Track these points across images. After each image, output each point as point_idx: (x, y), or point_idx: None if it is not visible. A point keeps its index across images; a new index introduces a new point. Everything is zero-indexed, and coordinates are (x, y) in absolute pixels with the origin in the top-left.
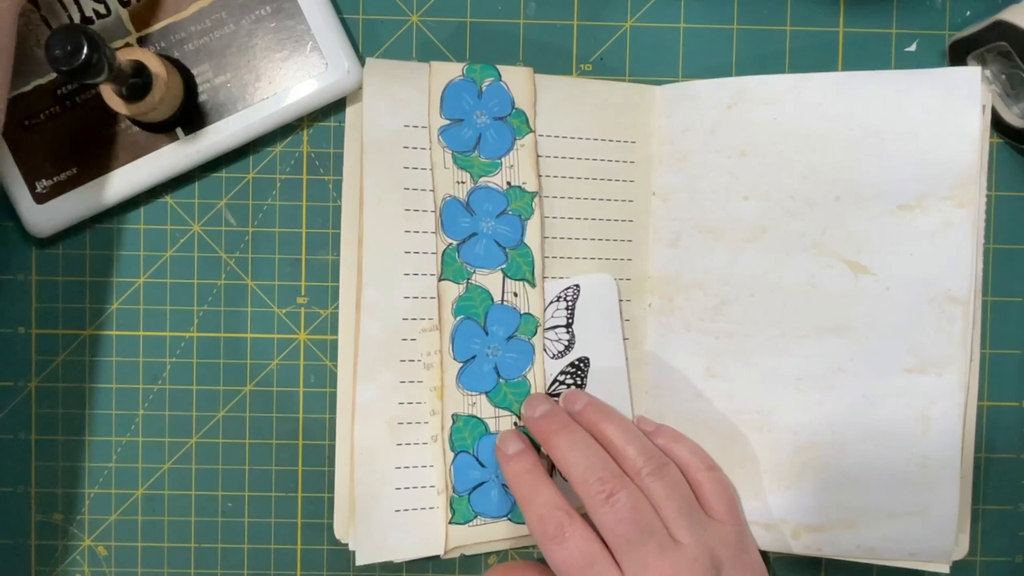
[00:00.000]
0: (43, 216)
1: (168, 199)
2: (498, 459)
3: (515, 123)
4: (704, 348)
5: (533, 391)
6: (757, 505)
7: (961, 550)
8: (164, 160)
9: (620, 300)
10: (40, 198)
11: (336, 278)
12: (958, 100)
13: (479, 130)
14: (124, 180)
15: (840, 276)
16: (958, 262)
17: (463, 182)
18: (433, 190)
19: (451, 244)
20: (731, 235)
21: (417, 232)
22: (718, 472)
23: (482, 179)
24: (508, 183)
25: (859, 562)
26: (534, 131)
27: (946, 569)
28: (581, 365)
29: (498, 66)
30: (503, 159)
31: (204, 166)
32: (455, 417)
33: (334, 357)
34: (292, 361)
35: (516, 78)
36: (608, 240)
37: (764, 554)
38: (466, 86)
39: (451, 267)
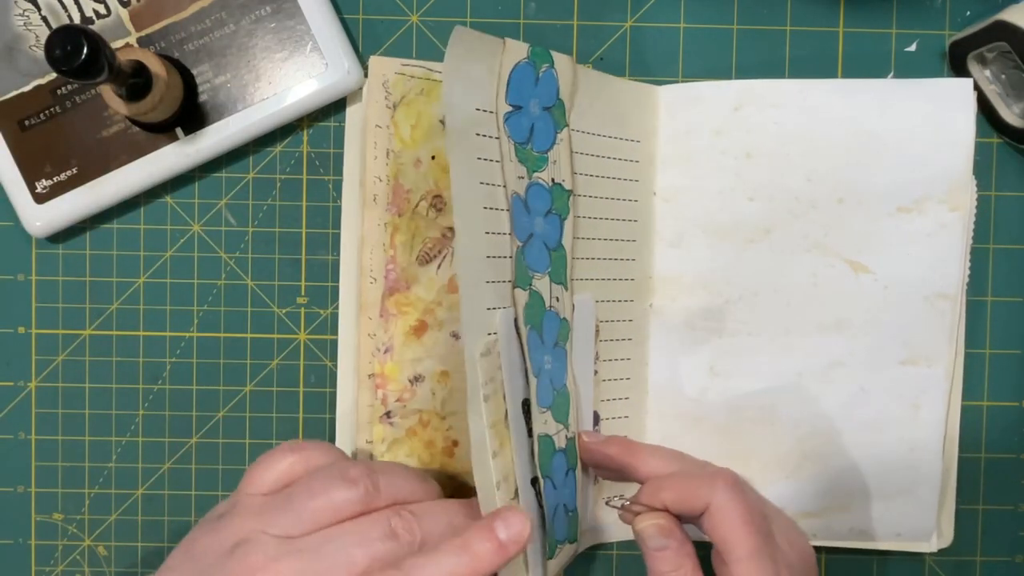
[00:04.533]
0: (43, 216)
1: (168, 199)
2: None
3: (556, 115)
4: (708, 347)
5: (572, 400)
6: None
7: (945, 539)
8: (164, 160)
9: (626, 301)
10: (40, 198)
11: (336, 278)
12: (952, 110)
13: (532, 120)
14: (124, 180)
15: (841, 275)
16: (950, 261)
17: (522, 177)
18: (504, 185)
19: (519, 247)
20: (736, 235)
21: (495, 234)
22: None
23: (535, 175)
24: (552, 180)
25: (858, 561)
26: (568, 125)
27: (928, 548)
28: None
29: (551, 51)
30: (549, 153)
31: (204, 166)
32: (541, 439)
33: (334, 357)
34: (292, 361)
35: (563, 66)
36: (615, 240)
37: None
38: (528, 71)
39: (521, 272)
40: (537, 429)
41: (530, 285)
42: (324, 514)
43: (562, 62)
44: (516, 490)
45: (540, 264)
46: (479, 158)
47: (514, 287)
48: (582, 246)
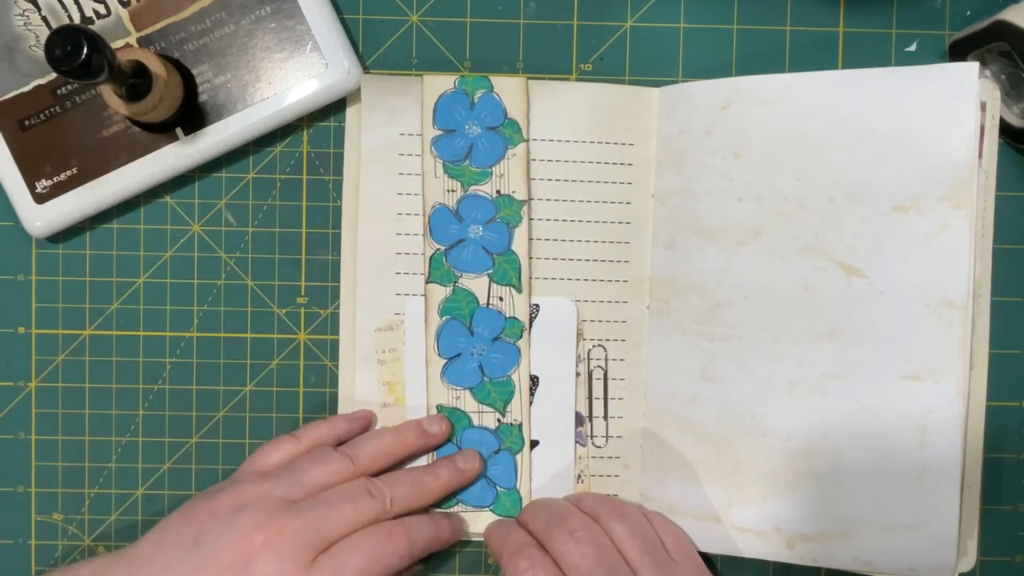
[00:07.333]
0: (43, 216)
1: (168, 199)
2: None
3: (508, 132)
4: (699, 351)
5: (517, 391)
6: (751, 512)
7: (969, 561)
8: (164, 160)
9: (619, 303)
10: (40, 198)
11: (336, 278)
12: (954, 96)
13: (471, 140)
14: (124, 180)
15: (833, 279)
16: (955, 266)
17: (453, 190)
18: (422, 196)
19: (439, 249)
20: (725, 237)
21: (408, 235)
22: (664, 518)
23: (472, 187)
24: (498, 191)
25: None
26: (527, 140)
27: None
28: (530, 384)
29: (491, 77)
30: (494, 168)
31: (204, 166)
32: (439, 408)
33: (334, 357)
34: (292, 361)
35: (509, 88)
36: (605, 242)
37: (761, 562)
38: (458, 98)
39: (438, 270)
40: (438, 399)
41: (454, 282)
42: (320, 481)
43: (506, 84)
44: None
45: (475, 266)
46: (400, 173)
47: (427, 281)
48: (551, 248)
